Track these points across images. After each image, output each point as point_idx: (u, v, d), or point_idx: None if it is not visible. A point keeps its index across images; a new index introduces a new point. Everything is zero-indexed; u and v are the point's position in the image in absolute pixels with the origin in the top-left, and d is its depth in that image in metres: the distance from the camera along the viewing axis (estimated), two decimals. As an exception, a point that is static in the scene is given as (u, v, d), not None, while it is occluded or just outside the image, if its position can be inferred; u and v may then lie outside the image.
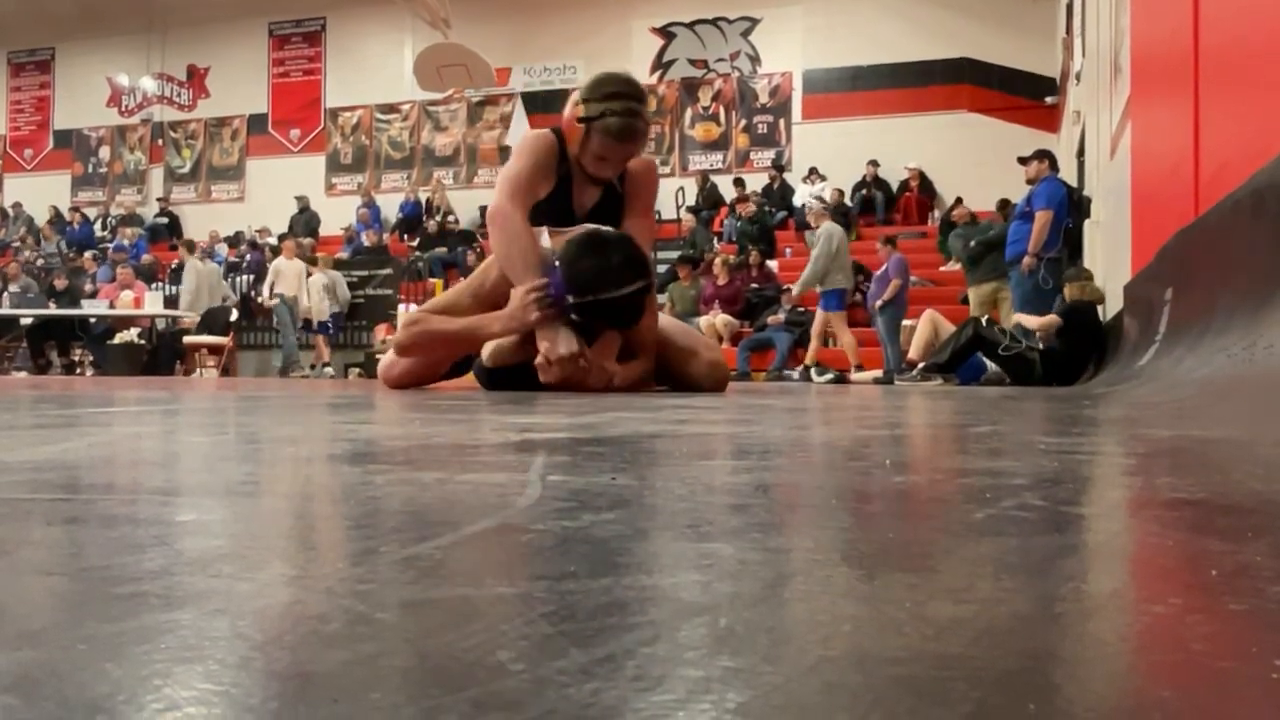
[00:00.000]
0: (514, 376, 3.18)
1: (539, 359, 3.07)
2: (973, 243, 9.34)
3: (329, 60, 18.51)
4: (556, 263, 3.02)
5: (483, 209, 12.94)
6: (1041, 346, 6.81)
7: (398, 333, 3.37)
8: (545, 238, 3.17)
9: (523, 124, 15.47)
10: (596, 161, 3.29)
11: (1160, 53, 4.54)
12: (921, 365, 7.21)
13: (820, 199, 13.48)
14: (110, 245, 15.86)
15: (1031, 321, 6.67)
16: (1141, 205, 5.39)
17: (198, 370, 12.59)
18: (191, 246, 13.79)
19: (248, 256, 15.22)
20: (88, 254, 15.46)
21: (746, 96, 16.58)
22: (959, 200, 10.65)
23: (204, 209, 18.74)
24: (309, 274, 13.14)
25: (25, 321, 12.84)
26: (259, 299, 13.70)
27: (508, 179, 3.30)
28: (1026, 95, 14.76)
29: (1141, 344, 4.41)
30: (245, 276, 14.69)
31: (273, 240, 15.15)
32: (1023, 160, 8.44)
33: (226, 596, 0.36)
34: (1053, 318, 6.63)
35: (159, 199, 18.95)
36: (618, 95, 3.22)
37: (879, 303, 9.84)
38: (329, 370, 12.84)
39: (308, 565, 0.43)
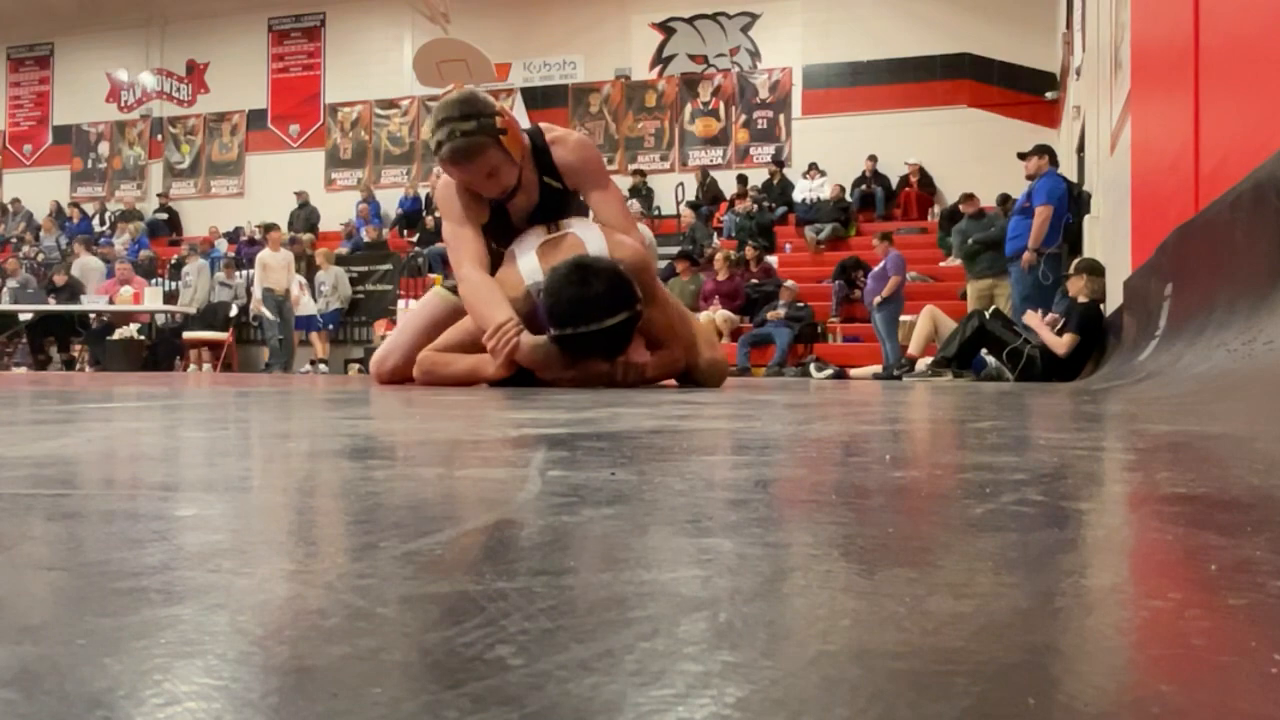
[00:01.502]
0: (519, 372, 3.18)
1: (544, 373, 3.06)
2: (971, 240, 9.34)
3: (328, 56, 18.48)
4: (539, 294, 2.95)
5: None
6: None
7: (415, 368, 3.29)
8: (532, 257, 3.12)
9: (522, 119, 15.39)
10: (469, 184, 3.23)
11: (1160, 48, 4.54)
12: (931, 360, 7.20)
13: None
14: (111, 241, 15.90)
15: (1058, 347, 6.56)
16: (1141, 200, 5.38)
17: (191, 366, 12.55)
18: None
19: (243, 251, 15.23)
20: (79, 239, 15.44)
21: (746, 92, 16.56)
22: (970, 196, 10.32)
23: (203, 204, 18.73)
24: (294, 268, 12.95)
25: (25, 317, 12.85)
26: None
27: (450, 243, 3.31)
28: (1027, 90, 14.74)
29: (1141, 339, 4.41)
30: (245, 271, 14.69)
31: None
32: (1023, 155, 8.43)
33: (226, 591, 0.36)
34: (1071, 337, 6.55)
35: (158, 194, 18.95)
36: (443, 122, 3.13)
37: (877, 299, 9.85)
38: (323, 367, 12.75)
39: (307, 560, 0.43)
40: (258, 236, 15.81)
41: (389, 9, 17.19)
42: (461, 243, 3.24)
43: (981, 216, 10.00)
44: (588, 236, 3.14)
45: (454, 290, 3.44)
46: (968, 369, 6.89)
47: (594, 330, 2.86)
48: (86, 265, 13.46)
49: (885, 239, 10.39)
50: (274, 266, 12.40)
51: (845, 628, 0.32)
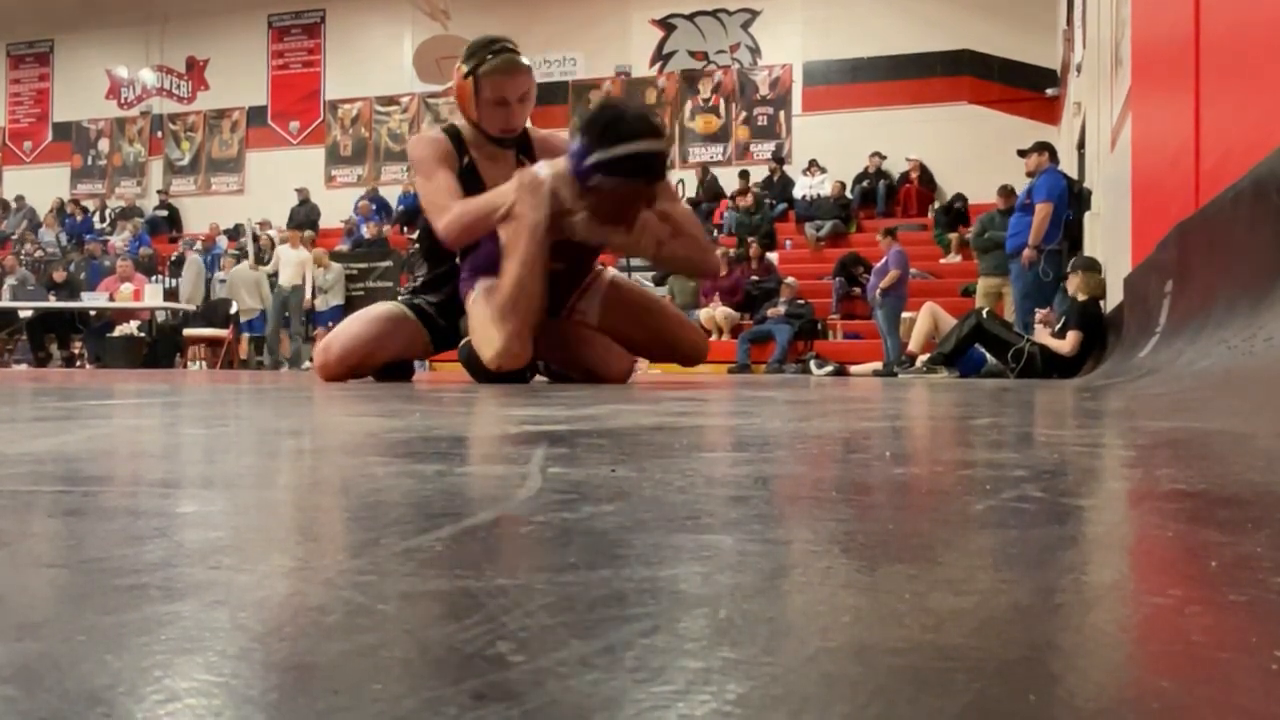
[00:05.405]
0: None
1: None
2: (986, 234, 9.32)
3: (328, 52, 18.46)
4: (575, 138, 2.96)
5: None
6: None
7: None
8: (543, 164, 3.14)
9: (522, 116, 15.40)
10: (494, 110, 3.35)
11: (1161, 44, 4.53)
12: (927, 357, 7.20)
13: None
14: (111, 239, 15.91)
15: (1064, 347, 6.51)
16: (1142, 197, 5.38)
17: (188, 363, 12.55)
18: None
19: (249, 250, 15.22)
20: (89, 239, 15.48)
21: (746, 89, 16.55)
22: (1010, 190, 9.88)
23: (203, 201, 18.71)
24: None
25: (24, 314, 12.84)
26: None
27: (428, 195, 3.34)
28: (1027, 87, 14.72)
29: (1142, 336, 4.41)
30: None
31: (273, 233, 15.13)
32: (1023, 152, 8.42)
33: (226, 588, 0.36)
34: (1075, 335, 6.51)
35: (159, 191, 18.93)
36: (491, 42, 3.40)
37: (878, 293, 9.85)
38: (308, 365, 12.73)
39: (308, 557, 0.43)
40: (259, 233, 15.80)
41: (389, 6, 17.16)
42: (441, 188, 3.31)
43: (1011, 213, 9.84)
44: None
45: (407, 305, 3.56)
46: (960, 368, 6.88)
47: (629, 153, 2.86)
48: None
49: (889, 234, 10.39)
50: (288, 262, 12.74)
51: (845, 624, 0.32)
